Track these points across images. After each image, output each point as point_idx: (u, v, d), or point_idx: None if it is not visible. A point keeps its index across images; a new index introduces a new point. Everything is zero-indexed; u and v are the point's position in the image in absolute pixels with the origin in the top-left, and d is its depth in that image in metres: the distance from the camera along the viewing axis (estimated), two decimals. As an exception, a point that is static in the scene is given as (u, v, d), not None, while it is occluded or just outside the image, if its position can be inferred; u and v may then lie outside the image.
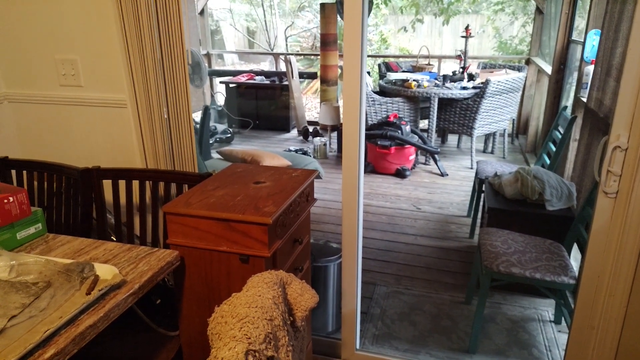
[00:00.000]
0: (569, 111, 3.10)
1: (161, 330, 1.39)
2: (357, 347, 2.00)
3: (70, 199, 1.79)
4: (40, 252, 1.26)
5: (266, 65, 9.85)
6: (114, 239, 1.79)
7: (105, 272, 1.10)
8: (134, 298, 1.07)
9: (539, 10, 5.34)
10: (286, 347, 0.81)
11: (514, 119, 5.15)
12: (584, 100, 2.96)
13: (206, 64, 5.80)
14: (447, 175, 4.37)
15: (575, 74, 3.61)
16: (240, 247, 1.26)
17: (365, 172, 4.44)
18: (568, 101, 3.98)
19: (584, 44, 3.26)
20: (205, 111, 4.35)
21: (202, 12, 6.54)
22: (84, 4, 1.83)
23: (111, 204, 1.77)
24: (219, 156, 3.88)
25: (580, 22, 4.14)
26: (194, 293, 1.36)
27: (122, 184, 1.73)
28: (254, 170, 1.58)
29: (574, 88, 3.54)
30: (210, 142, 5.24)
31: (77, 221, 1.78)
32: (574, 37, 4.08)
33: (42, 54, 1.96)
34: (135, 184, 1.73)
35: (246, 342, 0.72)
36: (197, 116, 4.94)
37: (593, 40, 3.13)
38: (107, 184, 1.75)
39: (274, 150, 4.74)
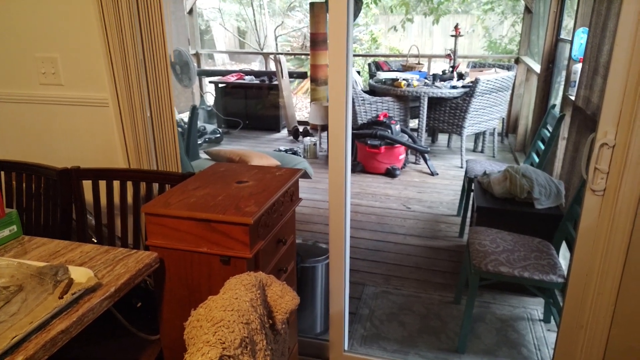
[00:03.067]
0: (557, 109, 3.10)
1: (141, 334, 1.36)
2: (346, 348, 1.97)
3: (49, 200, 1.74)
4: (14, 255, 1.22)
5: (256, 65, 9.81)
6: (95, 241, 1.75)
7: (80, 275, 1.06)
8: (109, 302, 1.04)
9: (527, 10, 5.35)
10: (264, 352, 0.78)
11: (503, 118, 5.15)
12: (572, 98, 2.96)
13: (195, 64, 5.75)
14: (437, 174, 4.36)
15: (564, 73, 3.62)
16: (221, 248, 1.22)
17: (355, 171, 4.43)
18: (556, 99, 3.99)
19: (571, 42, 3.26)
20: (193, 111, 4.30)
21: (190, 12, 6.48)
22: (64, 1, 1.79)
23: (92, 205, 1.73)
24: (207, 156, 3.84)
25: (568, 21, 4.15)
26: (175, 296, 1.33)
27: (102, 184, 1.69)
28: (237, 169, 1.55)
29: (562, 86, 3.55)
30: (200, 142, 5.19)
31: (56, 223, 1.74)
32: (562, 35, 4.09)
33: (21, 52, 1.91)
34: (116, 184, 1.69)
35: (220, 347, 0.69)
36: (186, 116, 4.89)
37: (581, 38, 3.13)
38: (87, 185, 1.71)
39: (263, 150, 4.70)
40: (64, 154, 2.02)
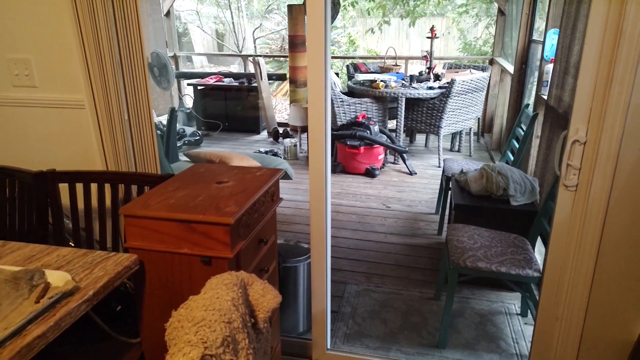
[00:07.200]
0: (530, 109, 3.17)
1: (121, 337, 1.34)
2: (328, 346, 1.98)
3: (25, 204, 1.71)
4: (-12, 261, 1.19)
5: (235, 67, 9.77)
6: (73, 245, 1.72)
7: (57, 279, 1.04)
8: (87, 305, 1.02)
9: (501, 12, 5.47)
10: (246, 350, 0.79)
11: (479, 118, 5.25)
12: (545, 97, 3.04)
13: (173, 66, 5.69)
14: (416, 173, 4.41)
15: (536, 73, 3.70)
16: (202, 248, 1.22)
17: (335, 172, 4.45)
18: (530, 99, 4.08)
19: (543, 43, 3.35)
20: (172, 113, 4.26)
21: (168, 14, 6.41)
22: (37, 1, 1.75)
23: (69, 209, 1.70)
24: (187, 159, 3.81)
25: (540, 23, 4.25)
26: (155, 298, 1.32)
27: (79, 187, 1.66)
28: (217, 170, 1.54)
29: (535, 86, 3.63)
30: (179, 144, 5.14)
31: (32, 227, 1.70)
32: (535, 37, 4.19)
33: (-8, 53, 1.87)
34: (94, 186, 1.66)
35: (202, 346, 0.69)
36: (165, 119, 4.84)
37: (552, 39, 3.22)
38: (64, 188, 1.68)
39: (243, 152, 4.68)
40: (40, 157, 1.98)
